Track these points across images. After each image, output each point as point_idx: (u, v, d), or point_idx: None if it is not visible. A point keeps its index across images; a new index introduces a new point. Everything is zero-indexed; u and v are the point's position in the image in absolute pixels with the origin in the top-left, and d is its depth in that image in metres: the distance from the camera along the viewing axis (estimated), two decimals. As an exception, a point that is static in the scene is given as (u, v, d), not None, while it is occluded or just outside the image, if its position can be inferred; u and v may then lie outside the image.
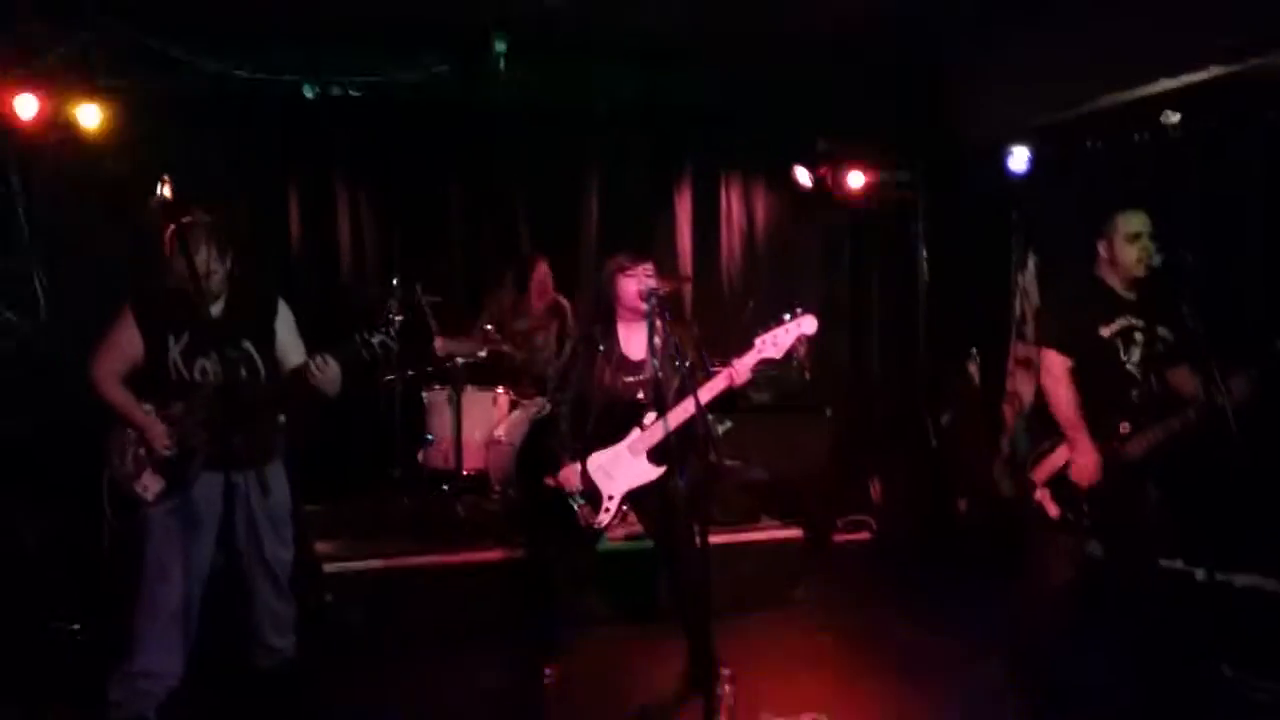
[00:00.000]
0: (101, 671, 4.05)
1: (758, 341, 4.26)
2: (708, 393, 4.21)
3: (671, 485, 4.39)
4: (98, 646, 4.66)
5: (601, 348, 4.44)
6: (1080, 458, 4.12)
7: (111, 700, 3.97)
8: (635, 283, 4.36)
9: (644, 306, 4.32)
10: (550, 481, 4.41)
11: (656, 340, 4.36)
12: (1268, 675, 4.34)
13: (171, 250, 3.96)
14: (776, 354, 4.26)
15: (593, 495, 4.35)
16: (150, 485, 3.97)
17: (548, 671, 4.52)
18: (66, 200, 5.97)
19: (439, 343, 6.11)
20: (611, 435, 4.40)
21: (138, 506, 3.97)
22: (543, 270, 6.54)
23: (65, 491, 5.06)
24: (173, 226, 3.89)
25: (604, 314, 4.54)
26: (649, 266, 4.42)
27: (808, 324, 4.24)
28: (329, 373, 4.07)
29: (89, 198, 5.98)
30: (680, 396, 4.32)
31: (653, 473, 4.37)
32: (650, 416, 4.37)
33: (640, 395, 4.42)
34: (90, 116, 5.93)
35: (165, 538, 3.98)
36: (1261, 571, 5.25)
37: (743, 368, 4.25)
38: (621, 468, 4.38)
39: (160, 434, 3.96)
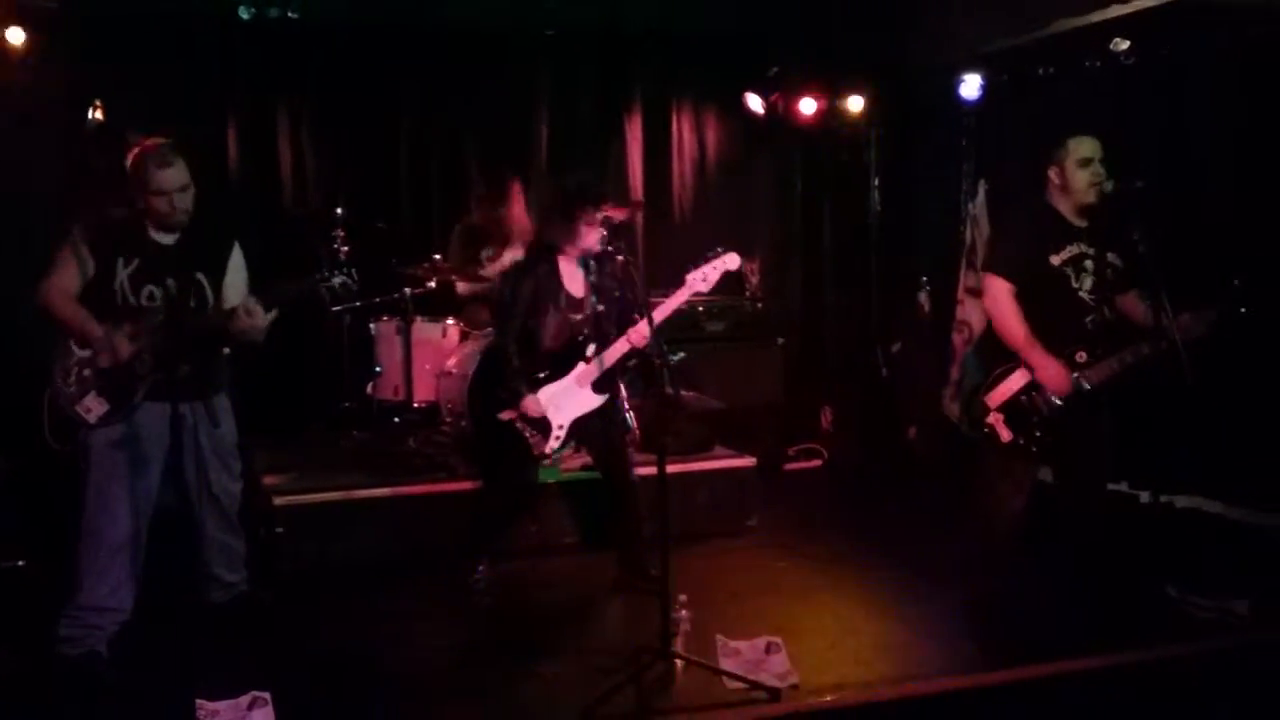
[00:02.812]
0: (51, 608, 3.99)
1: (689, 278, 4.53)
2: (658, 316, 4.39)
3: (611, 411, 4.72)
4: (45, 583, 4.58)
5: (546, 286, 4.62)
6: (1044, 372, 4.15)
7: (62, 636, 3.91)
8: (597, 233, 4.54)
9: (598, 249, 4.58)
10: (506, 415, 4.60)
11: (593, 279, 4.67)
12: (1209, 594, 4.44)
13: (130, 173, 3.86)
14: (706, 288, 4.55)
15: (543, 425, 4.61)
16: (93, 408, 3.87)
17: (480, 569, 4.77)
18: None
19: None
20: (559, 370, 4.64)
21: (78, 429, 3.88)
22: (517, 190, 6.38)
23: (11, 431, 4.93)
24: (137, 148, 3.78)
25: (547, 250, 4.71)
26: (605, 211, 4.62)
27: (730, 260, 4.55)
28: (257, 319, 3.96)
29: (17, 123, 5.75)
30: (621, 330, 4.61)
31: (596, 401, 4.67)
32: (593, 349, 4.64)
33: (584, 331, 4.67)
34: (17, 38, 5.68)
35: (109, 470, 3.90)
36: (1202, 494, 5.38)
37: (672, 305, 4.52)
38: (569, 399, 4.64)
39: (120, 343, 3.82)
